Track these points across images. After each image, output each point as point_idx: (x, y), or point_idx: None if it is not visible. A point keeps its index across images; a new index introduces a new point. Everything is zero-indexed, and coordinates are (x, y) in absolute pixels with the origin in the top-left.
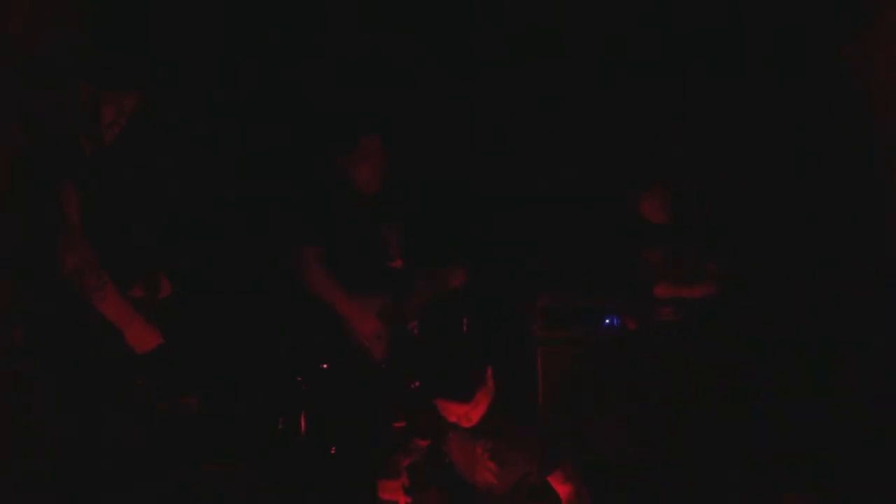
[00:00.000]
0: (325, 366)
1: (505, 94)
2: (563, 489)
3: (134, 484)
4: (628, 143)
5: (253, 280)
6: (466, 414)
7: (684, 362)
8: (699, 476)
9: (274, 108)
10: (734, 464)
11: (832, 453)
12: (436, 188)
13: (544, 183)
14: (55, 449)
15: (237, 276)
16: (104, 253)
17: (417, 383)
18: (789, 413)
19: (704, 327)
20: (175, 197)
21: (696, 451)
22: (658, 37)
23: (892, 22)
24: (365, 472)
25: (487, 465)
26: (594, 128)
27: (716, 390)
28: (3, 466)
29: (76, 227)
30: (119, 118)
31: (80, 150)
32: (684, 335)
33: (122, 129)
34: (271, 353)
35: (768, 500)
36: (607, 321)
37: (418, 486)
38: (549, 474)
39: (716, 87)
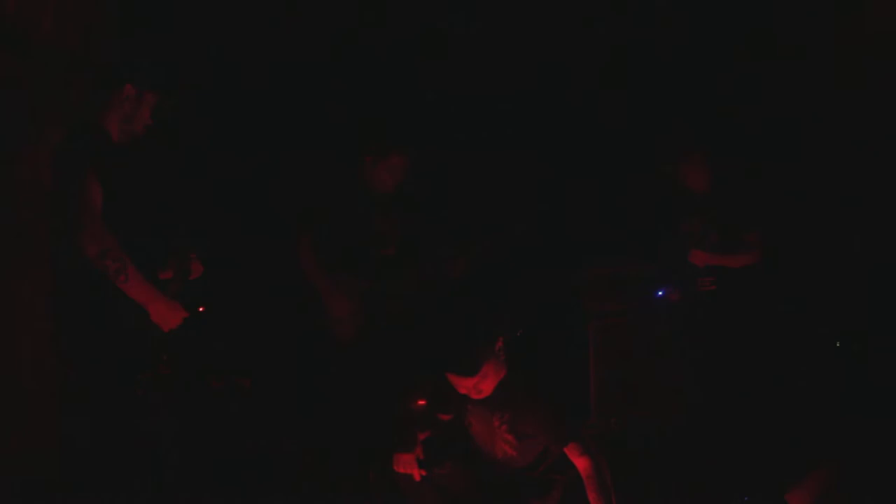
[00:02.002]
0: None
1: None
2: (580, 462)
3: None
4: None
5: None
6: (475, 386)
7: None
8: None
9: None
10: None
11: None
12: (436, 188)
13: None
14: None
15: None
16: (127, 238)
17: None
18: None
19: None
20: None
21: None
22: (658, 37)
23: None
24: (379, 446)
25: (505, 438)
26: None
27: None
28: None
29: (97, 214)
30: (150, 116)
31: (103, 142)
32: (723, 306)
33: (149, 125)
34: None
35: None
36: (659, 293)
37: (433, 459)
38: (565, 447)
39: (716, 87)
